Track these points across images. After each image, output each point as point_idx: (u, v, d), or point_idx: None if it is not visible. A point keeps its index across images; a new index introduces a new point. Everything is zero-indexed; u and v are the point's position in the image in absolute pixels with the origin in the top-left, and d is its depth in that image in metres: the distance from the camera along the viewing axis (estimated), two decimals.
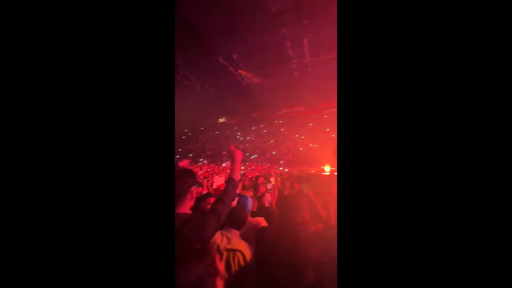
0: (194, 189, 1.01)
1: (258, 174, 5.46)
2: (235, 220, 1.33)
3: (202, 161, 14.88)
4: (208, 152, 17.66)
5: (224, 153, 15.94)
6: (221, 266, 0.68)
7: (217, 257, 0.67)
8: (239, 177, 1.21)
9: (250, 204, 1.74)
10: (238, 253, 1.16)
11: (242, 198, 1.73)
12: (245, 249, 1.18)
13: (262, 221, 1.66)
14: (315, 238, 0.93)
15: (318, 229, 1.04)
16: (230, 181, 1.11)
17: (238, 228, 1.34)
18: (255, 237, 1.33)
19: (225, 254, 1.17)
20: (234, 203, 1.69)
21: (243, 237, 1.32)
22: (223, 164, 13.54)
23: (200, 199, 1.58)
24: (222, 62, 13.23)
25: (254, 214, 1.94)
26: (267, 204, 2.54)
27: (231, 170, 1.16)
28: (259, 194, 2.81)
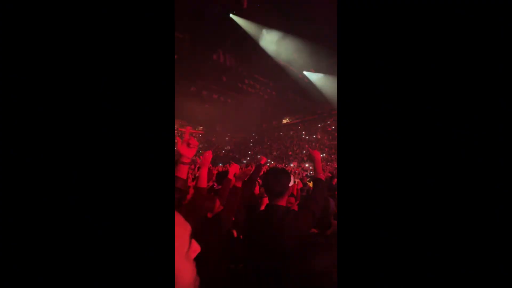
0: (292, 186, 1.14)
1: (330, 174, 4.82)
2: (319, 222, 1.24)
3: (270, 162, 15.13)
4: (274, 153, 17.45)
5: (290, 153, 16.06)
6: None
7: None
8: (324, 176, 1.24)
9: (332, 205, 1.58)
10: None
11: None
12: None
13: None
14: None
15: None
16: (316, 181, 1.17)
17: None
18: None
19: None
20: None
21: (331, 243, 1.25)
22: (291, 165, 13.50)
23: None
24: (282, 64, 13.00)
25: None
26: None
27: (314, 171, 1.23)
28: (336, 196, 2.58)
